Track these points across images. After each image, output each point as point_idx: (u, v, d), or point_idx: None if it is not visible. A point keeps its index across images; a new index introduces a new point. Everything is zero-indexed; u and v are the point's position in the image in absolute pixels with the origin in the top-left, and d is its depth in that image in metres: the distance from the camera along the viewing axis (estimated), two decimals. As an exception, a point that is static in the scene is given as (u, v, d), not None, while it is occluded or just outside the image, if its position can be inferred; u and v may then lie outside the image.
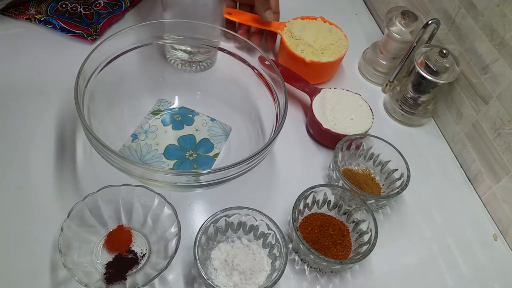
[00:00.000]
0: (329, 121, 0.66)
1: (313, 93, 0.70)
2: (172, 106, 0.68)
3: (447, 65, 0.67)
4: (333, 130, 0.65)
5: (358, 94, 0.71)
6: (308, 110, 0.72)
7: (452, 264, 0.60)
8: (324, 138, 0.68)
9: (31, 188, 0.57)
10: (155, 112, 0.67)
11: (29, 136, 0.62)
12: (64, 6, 0.78)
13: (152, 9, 0.83)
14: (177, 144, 0.65)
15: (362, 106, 0.69)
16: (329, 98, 0.69)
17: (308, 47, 0.73)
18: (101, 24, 0.76)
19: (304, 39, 0.73)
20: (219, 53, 0.68)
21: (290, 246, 0.57)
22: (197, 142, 0.65)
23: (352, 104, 0.69)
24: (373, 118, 0.68)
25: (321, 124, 0.66)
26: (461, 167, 0.71)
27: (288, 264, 0.51)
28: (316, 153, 0.68)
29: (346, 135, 0.64)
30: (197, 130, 0.67)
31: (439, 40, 0.73)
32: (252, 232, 0.55)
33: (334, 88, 0.71)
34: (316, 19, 0.78)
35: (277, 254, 0.52)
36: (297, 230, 0.53)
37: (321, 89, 0.70)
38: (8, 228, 0.54)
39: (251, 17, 0.75)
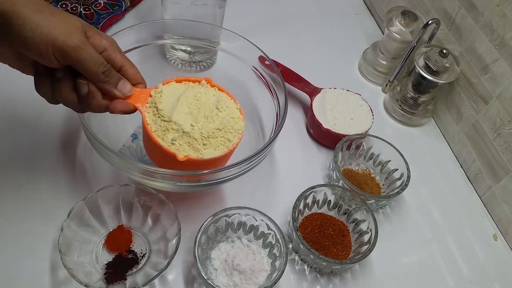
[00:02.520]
0: (329, 121, 0.66)
1: (313, 93, 0.70)
2: (172, 106, 0.68)
3: (447, 65, 0.67)
4: (333, 130, 0.65)
5: (358, 94, 0.70)
6: (308, 110, 0.72)
7: (452, 264, 0.60)
8: (324, 138, 0.68)
9: (31, 188, 0.57)
10: (155, 112, 0.67)
11: (29, 136, 0.62)
12: (64, 6, 0.78)
13: (152, 9, 0.83)
14: (177, 144, 0.64)
15: (362, 106, 0.69)
16: (329, 98, 0.69)
17: (183, 134, 0.46)
18: (101, 24, 0.76)
19: (176, 121, 0.46)
20: (219, 53, 0.68)
21: (290, 246, 0.57)
22: (197, 142, 0.65)
23: (352, 104, 0.69)
24: (373, 118, 0.68)
25: (321, 124, 0.66)
26: (461, 167, 0.71)
27: (288, 264, 0.51)
28: (316, 153, 0.68)
29: (346, 135, 0.64)
30: (197, 130, 0.66)
31: (439, 40, 0.73)
32: (252, 232, 0.55)
33: (334, 88, 0.70)
34: (199, 82, 0.50)
35: (277, 254, 0.52)
36: (297, 230, 0.53)
37: (321, 89, 0.70)
38: (8, 228, 0.54)
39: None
